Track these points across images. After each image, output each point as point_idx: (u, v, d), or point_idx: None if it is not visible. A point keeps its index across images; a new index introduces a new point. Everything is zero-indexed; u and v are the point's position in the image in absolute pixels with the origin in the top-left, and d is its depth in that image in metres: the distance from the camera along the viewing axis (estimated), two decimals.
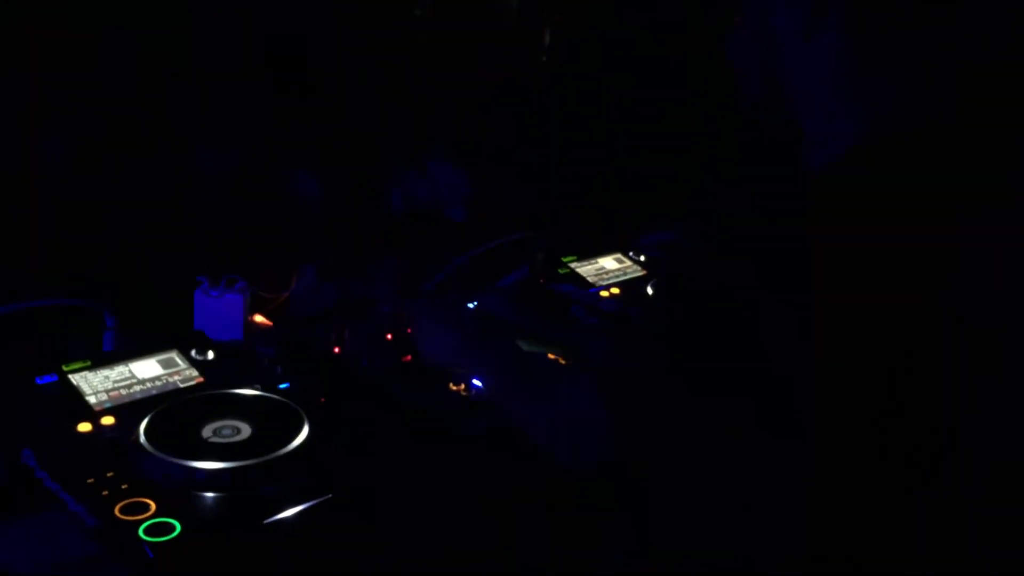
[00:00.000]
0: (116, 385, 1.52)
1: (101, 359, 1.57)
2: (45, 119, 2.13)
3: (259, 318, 1.87)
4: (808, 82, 1.18)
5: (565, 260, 2.24)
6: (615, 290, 2.15)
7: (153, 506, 1.24)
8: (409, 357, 1.74)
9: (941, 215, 1.05)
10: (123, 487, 1.27)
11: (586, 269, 2.23)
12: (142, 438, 1.36)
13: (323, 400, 1.55)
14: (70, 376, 1.52)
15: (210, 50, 2.55)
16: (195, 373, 1.60)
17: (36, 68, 2.13)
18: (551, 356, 1.78)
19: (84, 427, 1.40)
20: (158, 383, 1.55)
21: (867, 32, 1.12)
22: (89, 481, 1.28)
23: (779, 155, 1.30)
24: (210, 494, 1.29)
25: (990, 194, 1.09)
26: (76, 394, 1.49)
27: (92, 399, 1.48)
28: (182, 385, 1.57)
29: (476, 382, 1.64)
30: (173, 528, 1.21)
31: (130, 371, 1.56)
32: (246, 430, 1.42)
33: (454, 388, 1.64)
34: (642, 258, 2.33)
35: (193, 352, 1.64)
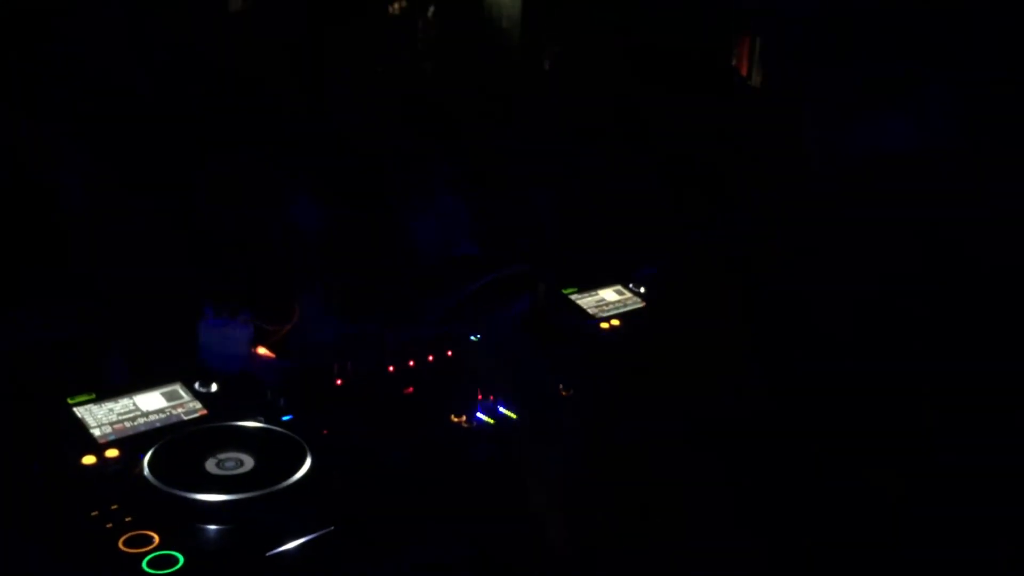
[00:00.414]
0: (120, 418, 1.53)
1: (105, 392, 1.59)
2: (55, 157, 2.16)
3: (262, 350, 1.89)
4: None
5: (566, 292, 2.26)
6: (615, 321, 2.16)
7: (157, 539, 1.25)
8: (411, 389, 1.75)
9: None
10: (127, 520, 1.28)
11: (586, 301, 2.24)
12: (146, 471, 1.37)
13: (326, 432, 1.56)
14: (75, 409, 1.53)
15: (217, 88, 2.59)
16: (199, 405, 1.61)
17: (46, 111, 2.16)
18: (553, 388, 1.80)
19: (88, 460, 1.41)
20: (162, 415, 1.56)
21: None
22: (93, 514, 1.29)
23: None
24: (213, 526, 1.30)
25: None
26: (80, 427, 1.50)
27: (96, 432, 1.49)
28: (186, 417, 1.58)
29: (480, 415, 1.66)
30: (176, 560, 1.21)
31: (134, 404, 1.57)
32: (249, 462, 1.43)
33: (455, 420, 1.65)
34: (642, 290, 2.35)
35: (197, 384, 1.65)
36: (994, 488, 1.20)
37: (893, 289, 1.25)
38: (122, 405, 1.56)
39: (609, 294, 2.31)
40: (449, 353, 1.90)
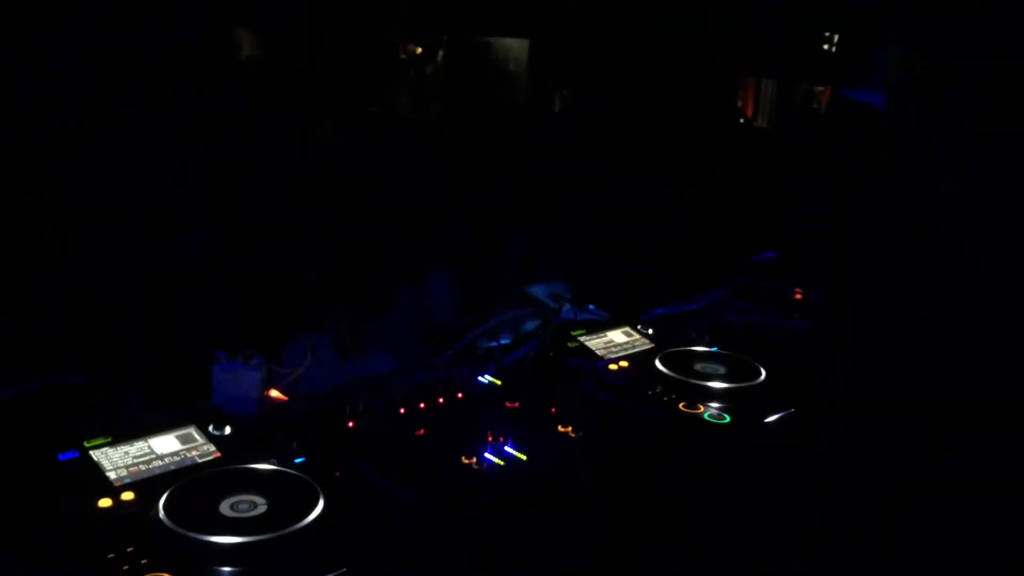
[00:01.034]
0: (135, 460, 1.55)
1: (121, 435, 1.61)
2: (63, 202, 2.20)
3: (275, 393, 1.91)
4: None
5: (574, 333, 2.28)
6: (624, 363, 2.18)
7: None
8: (422, 431, 1.77)
9: None
10: (143, 562, 1.29)
11: (595, 342, 2.26)
12: (161, 513, 1.38)
13: (338, 474, 1.58)
14: (91, 452, 1.55)
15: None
16: (212, 448, 1.63)
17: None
18: (561, 429, 1.81)
19: (104, 503, 1.43)
20: (176, 458, 1.59)
21: None
22: (109, 556, 1.30)
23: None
24: (228, 568, 1.31)
25: None
26: (97, 470, 1.52)
27: (112, 475, 1.51)
28: (200, 460, 1.60)
29: (490, 456, 1.67)
30: None
31: (149, 446, 1.60)
32: (263, 504, 1.44)
33: (466, 461, 1.67)
34: (650, 331, 2.37)
35: (211, 427, 1.68)
36: None
37: None
38: (137, 448, 1.58)
39: (617, 335, 2.33)
40: (459, 395, 1.93)
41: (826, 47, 8.35)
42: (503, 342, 2.30)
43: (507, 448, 1.71)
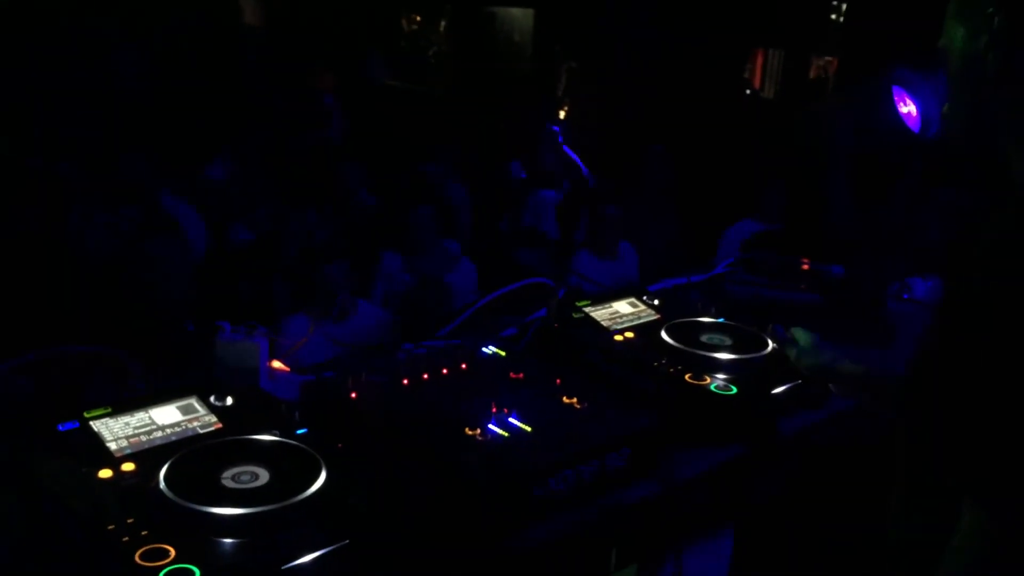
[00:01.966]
0: (136, 431, 1.54)
1: (122, 405, 1.60)
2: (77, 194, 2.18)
3: (277, 364, 1.89)
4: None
5: (579, 304, 2.26)
6: (629, 334, 2.16)
7: (173, 552, 1.25)
8: (425, 402, 1.75)
9: None
10: (143, 533, 1.28)
11: (600, 313, 2.24)
12: (162, 484, 1.37)
13: (340, 446, 1.56)
14: (91, 423, 1.54)
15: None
16: (214, 419, 1.62)
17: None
18: (566, 400, 1.79)
19: (105, 473, 1.42)
20: (178, 429, 1.57)
21: None
22: (110, 528, 1.29)
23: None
24: (229, 540, 1.30)
25: None
26: (97, 441, 1.50)
27: (113, 445, 1.50)
28: (201, 431, 1.58)
29: (494, 428, 1.66)
30: (192, 574, 1.22)
31: (150, 417, 1.58)
32: (264, 475, 1.43)
33: (470, 433, 1.65)
34: (656, 302, 2.35)
35: (212, 398, 1.66)
36: None
37: None
38: (138, 419, 1.57)
39: (623, 306, 2.31)
40: (463, 366, 1.91)
41: (833, 17, 8.26)
42: (509, 312, 2.28)
43: (511, 419, 1.69)
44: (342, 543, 1.33)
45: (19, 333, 2.01)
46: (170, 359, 1.83)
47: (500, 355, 2.00)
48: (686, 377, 1.94)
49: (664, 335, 2.11)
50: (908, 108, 2.23)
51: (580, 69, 9.07)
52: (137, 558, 1.24)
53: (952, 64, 1.36)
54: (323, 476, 1.43)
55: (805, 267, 2.66)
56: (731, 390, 1.90)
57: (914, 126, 2.20)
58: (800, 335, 1.82)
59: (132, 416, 1.57)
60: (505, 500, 1.54)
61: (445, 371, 1.88)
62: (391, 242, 4.26)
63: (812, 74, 8.61)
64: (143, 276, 2.88)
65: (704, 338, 2.12)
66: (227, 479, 1.41)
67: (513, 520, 1.55)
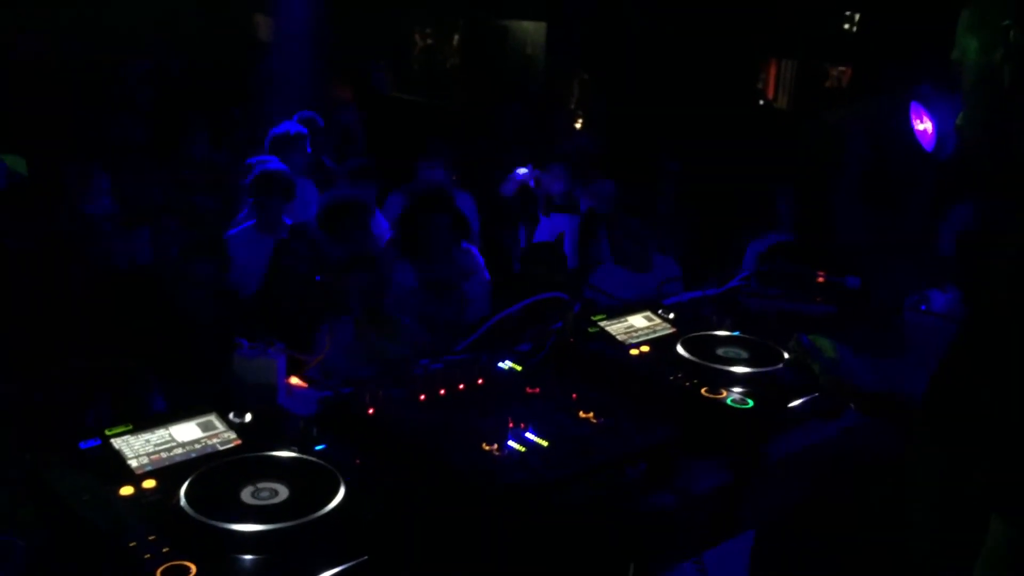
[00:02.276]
0: (157, 448, 1.56)
1: (142, 423, 1.61)
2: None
3: (295, 380, 1.91)
4: None
5: (595, 318, 2.27)
6: (645, 348, 2.16)
7: (194, 569, 1.26)
8: (443, 418, 1.76)
9: None
10: (164, 550, 1.30)
11: (616, 327, 2.25)
12: (182, 501, 1.38)
13: (358, 461, 1.57)
14: (112, 440, 1.55)
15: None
16: (233, 435, 1.63)
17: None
18: (582, 415, 1.80)
19: (126, 491, 1.43)
20: (197, 446, 1.58)
21: None
22: (131, 544, 1.30)
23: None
24: (249, 556, 1.31)
25: None
26: (118, 458, 1.52)
27: (134, 463, 1.51)
28: (221, 448, 1.59)
29: (511, 443, 1.66)
30: None
31: (170, 434, 1.60)
32: (284, 492, 1.44)
33: (487, 448, 1.66)
34: (671, 316, 2.35)
35: (231, 415, 1.67)
36: None
37: None
38: (158, 436, 1.58)
39: (638, 320, 2.31)
40: (480, 381, 1.91)
41: (847, 27, 8.25)
42: (525, 327, 2.28)
43: (528, 434, 1.70)
44: (361, 559, 1.34)
45: (46, 344, 2.03)
46: (193, 375, 1.85)
47: (516, 370, 2.00)
48: (702, 391, 1.94)
49: (680, 349, 2.12)
50: (924, 125, 2.23)
51: (593, 81, 9.10)
52: (158, 575, 1.25)
53: (967, 76, 1.36)
54: (342, 492, 1.44)
55: (820, 279, 2.66)
56: (748, 403, 1.90)
57: (929, 144, 2.20)
58: (824, 344, 1.81)
59: (152, 433, 1.59)
60: (523, 515, 1.54)
61: (462, 386, 1.89)
62: (403, 252, 4.27)
63: (827, 84, 8.61)
64: (182, 292, 2.90)
65: (720, 351, 2.13)
66: (247, 496, 1.42)
67: (531, 534, 1.56)
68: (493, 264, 4.73)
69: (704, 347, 2.13)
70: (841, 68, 8.42)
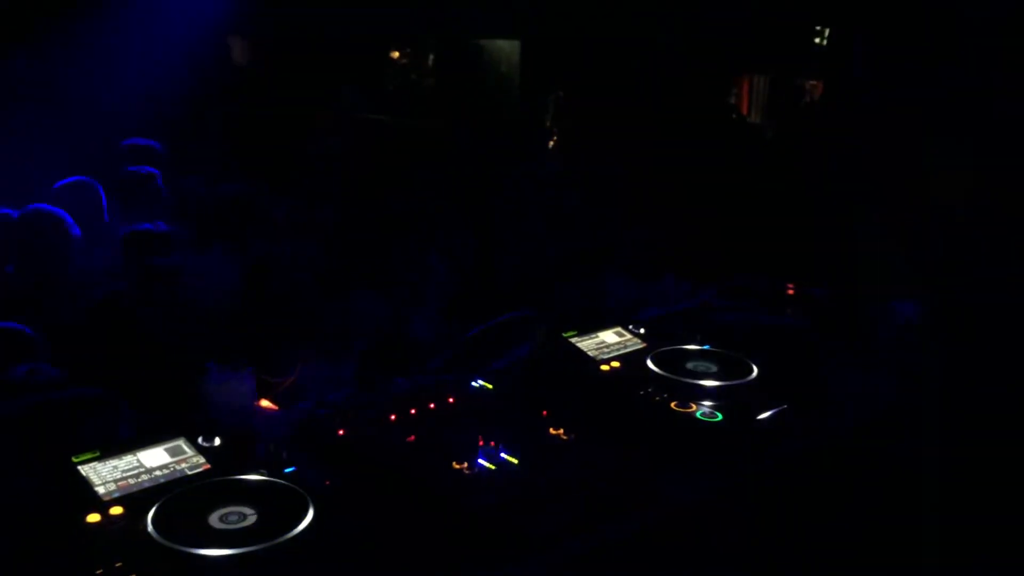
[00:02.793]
0: (124, 475, 1.55)
1: (110, 449, 1.60)
2: None
3: (265, 403, 1.90)
4: None
5: (566, 335, 2.27)
6: (615, 363, 2.17)
7: None
8: (413, 437, 1.76)
9: None
10: None
11: (587, 343, 2.25)
12: (150, 527, 1.38)
13: (328, 483, 1.57)
14: (79, 467, 1.55)
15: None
16: (202, 460, 1.62)
17: None
18: (553, 432, 1.81)
19: (93, 518, 1.42)
20: (166, 471, 1.58)
21: None
22: (98, 572, 1.30)
23: None
24: None
25: None
26: (85, 485, 1.51)
27: (101, 489, 1.50)
28: (189, 472, 1.59)
29: (482, 461, 1.67)
30: None
31: (138, 460, 1.59)
32: (252, 516, 1.44)
33: (457, 467, 1.66)
34: (642, 331, 2.36)
35: (200, 439, 1.67)
36: None
37: None
38: (126, 462, 1.58)
39: (609, 336, 2.32)
40: (451, 400, 1.92)
41: (817, 40, 8.33)
42: (495, 345, 2.29)
43: (499, 453, 1.70)
44: None
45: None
46: (159, 400, 1.84)
47: (487, 388, 2.01)
48: (672, 405, 1.96)
49: (650, 363, 2.13)
50: None
51: (568, 99, 9.13)
52: None
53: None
54: (311, 514, 1.44)
55: (790, 292, 2.68)
56: (716, 416, 1.92)
57: None
58: None
59: (120, 459, 1.58)
60: (495, 534, 1.55)
61: (432, 405, 1.89)
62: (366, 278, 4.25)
63: (801, 98, 8.68)
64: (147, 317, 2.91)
65: (690, 365, 2.14)
66: (215, 520, 1.42)
67: (503, 555, 1.56)
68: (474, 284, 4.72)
69: (675, 361, 2.15)
70: (812, 83, 8.50)
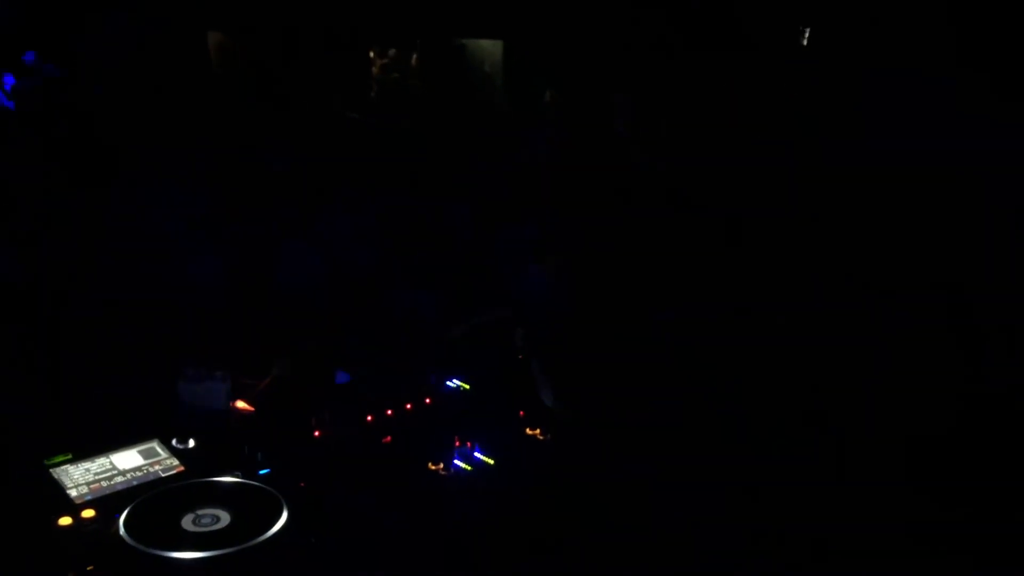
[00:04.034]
0: (97, 477, 1.54)
1: (82, 452, 1.59)
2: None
3: (241, 404, 1.89)
4: None
5: None
6: None
7: None
8: (389, 438, 1.76)
9: None
10: None
11: None
12: (121, 530, 1.37)
13: (303, 484, 1.57)
14: (51, 470, 1.54)
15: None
16: (176, 462, 1.61)
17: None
18: (529, 432, 1.81)
19: (65, 521, 1.41)
20: (139, 473, 1.57)
21: None
22: None
23: None
24: None
25: None
26: (57, 488, 1.50)
27: (73, 492, 1.49)
28: (163, 474, 1.58)
29: (458, 462, 1.67)
30: None
31: (111, 463, 1.58)
32: (226, 518, 1.43)
33: (433, 468, 1.66)
34: None
35: (174, 441, 1.66)
36: None
37: None
38: (99, 464, 1.57)
39: None
40: (427, 401, 1.91)
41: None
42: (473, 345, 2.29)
43: (475, 453, 1.70)
44: None
45: None
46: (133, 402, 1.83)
47: (464, 388, 2.01)
48: None
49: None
50: None
51: (555, 98, 9.11)
52: None
53: None
54: (284, 516, 1.43)
55: None
56: None
57: None
58: None
59: (93, 462, 1.57)
60: (469, 536, 1.55)
61: (409, 406, 1.89)
62: None
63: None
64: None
65: None
66: (188, 523, 1.41)
67: (477, 556, 1.56)
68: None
69: None
70: None
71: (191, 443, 1.66)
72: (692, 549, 1.82)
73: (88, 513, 1.43)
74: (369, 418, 1.82)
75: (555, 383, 1.84)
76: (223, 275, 2.52)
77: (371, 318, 2.62)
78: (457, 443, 1.72)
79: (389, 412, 1.84)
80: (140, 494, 1.48)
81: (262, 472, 1.59)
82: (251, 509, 1.45)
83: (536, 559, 1.59)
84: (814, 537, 1.70)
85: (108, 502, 1.47)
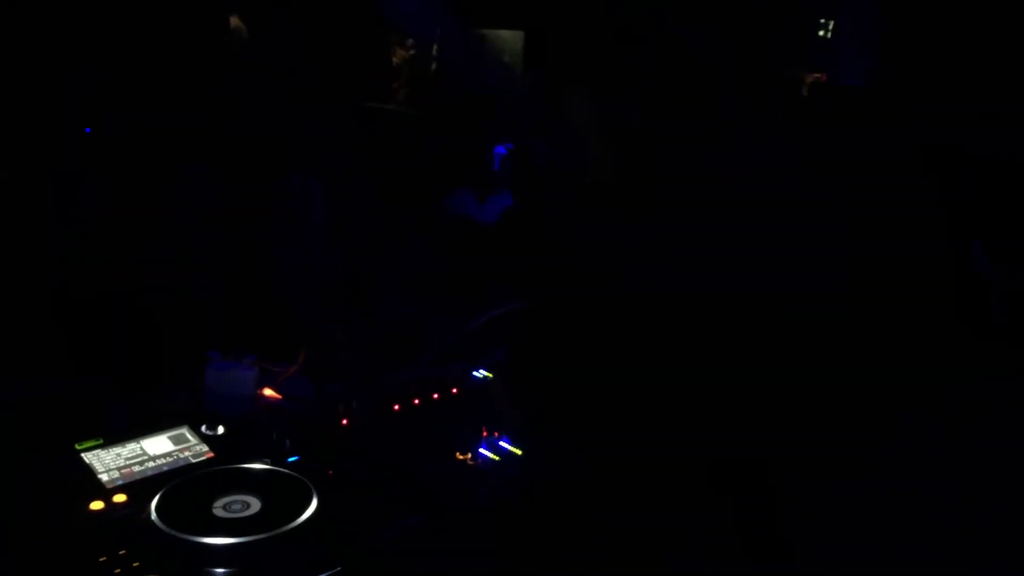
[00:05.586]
0: (128, 462, 1.55)
1: (113, 437, 1.60)
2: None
3: (268, 392, 1.90)
4: None
5: None
6: None
7: None
8: (416, 427, 1.76)
9: None
10: (135, 565, 1.29)
11: None
12: (153, 515, 1.38)
13: (331, 472, 1.57)
14: (83, 455, 1.55)
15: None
16: (205, 448, 1.62)
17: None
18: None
19: (96, 505, 1.42)
20: (169, 459, 1.58)
21: None
22: (101, 559, 1.30)
23: None
24: (221, 570, 1.30)
25: None
26: (88, 472, 1.51)
27: (104, 477, 1.50)
28: (193, 460, 1.59)
29: (485, 452, 1.67)
30: None
31: (141, 448, 1.59)
32: (256, 504, 1.44)
33: (461, 457, 1.66)
34: None
35: (203, 427, 1.67)
36: None
37: None
38: (129, 450, 1.58)
39: None
40: (454, 391, 1.92)
41: (821, 34, 8.32)
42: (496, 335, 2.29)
43: (502, 443, 1.70)
44: (334, 570, 1.33)
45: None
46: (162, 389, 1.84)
47: (490, 378, 2.01)
48: None
49: None
50: None
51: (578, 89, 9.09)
52: None
53: None
54: (314, 503, 1.44)
55: None
56: None
57: None
58: None
59: (124, 447, 1.58)
60: (495, 526, 1.55)
61: (436, 396, 1.89)
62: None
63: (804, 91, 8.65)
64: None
65: None
66: (219, 508, 1.42)
67: (505, 545, 1.56)
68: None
69: None
70: (816, 75, 8.48)
71: (220, 430, 1.67)
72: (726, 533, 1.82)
73: (120, 498, 1.44)
74: (396, 407, 1.82)
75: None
76: (248, 263, 2.52)
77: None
78: (484, 433, 1.71)
79: (416, 401, 1.85)
80: (171, 480, 1.49)
81: (291, 460, 1.59)
82: (281, 496, 1.46)
83: (560, 543, 1.60)
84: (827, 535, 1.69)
85: (139, 487, 1.48)
